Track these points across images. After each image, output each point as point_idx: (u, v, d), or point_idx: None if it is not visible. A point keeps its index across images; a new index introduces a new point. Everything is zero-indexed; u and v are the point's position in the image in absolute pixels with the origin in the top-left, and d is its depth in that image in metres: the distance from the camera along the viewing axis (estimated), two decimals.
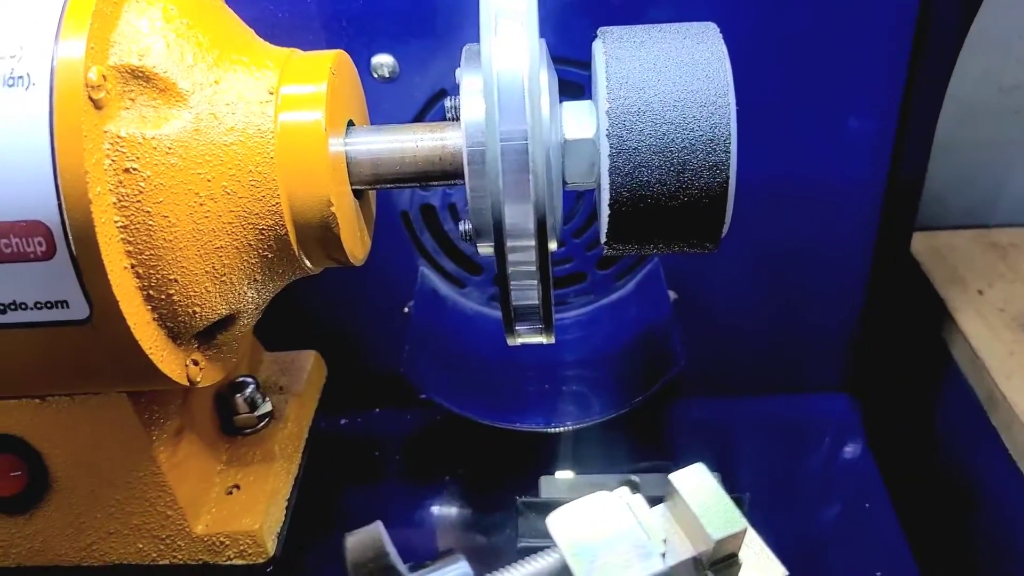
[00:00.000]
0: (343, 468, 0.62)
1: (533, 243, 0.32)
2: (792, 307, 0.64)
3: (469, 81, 0.35)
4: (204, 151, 0.34)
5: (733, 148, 0.34)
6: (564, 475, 0.52)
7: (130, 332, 0.33)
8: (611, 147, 0.34)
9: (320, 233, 0.36)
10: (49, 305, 0.32)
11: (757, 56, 0.52)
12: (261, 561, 0.43)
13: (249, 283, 0.37)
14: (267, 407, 0.47)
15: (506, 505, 0.59)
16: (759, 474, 0.62)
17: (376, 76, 0.53)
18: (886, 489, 0.59)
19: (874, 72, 0.54)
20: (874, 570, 0.55)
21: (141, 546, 0.43)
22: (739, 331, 0.64)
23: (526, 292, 0.34)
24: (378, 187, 0.39)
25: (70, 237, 0.31)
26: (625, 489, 0.33)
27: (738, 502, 0.39)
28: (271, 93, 0.35)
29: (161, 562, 0.43)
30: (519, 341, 0.37)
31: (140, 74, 0.33)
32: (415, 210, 0.58)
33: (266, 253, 0.36)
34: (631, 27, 0.36)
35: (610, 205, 0.35)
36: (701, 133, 0.33)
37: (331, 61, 0.37)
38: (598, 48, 0.36)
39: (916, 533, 0.57)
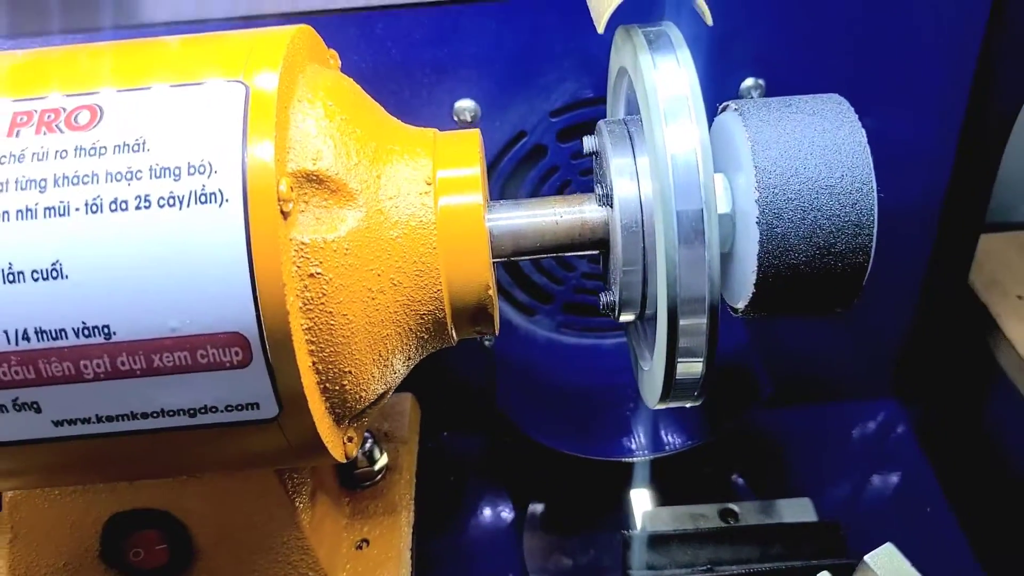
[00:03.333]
0: (424, 494, 0.64)
1: (705, 320, 0.34)
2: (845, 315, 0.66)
3: (619, 162, 0.37)
4: (374, 248, 0.35)
5: (875, 231, 0.36)
6: (664, 508, 0.54)
7: (314, 426, 0.34)
8: (761, 233, 0.35)
9: (475, 312, 0.37)
10: (240, 408, 0.33)
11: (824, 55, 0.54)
12: None
13: (403, 364, 0.38)
14: (384, 459, 0.49)
15: (585, 530, 0.62)
16: (821, 483, 0.65)
17: (457, 120, 0.54)
18: (944, 495, 0.63)
19: (936, 83, 0.56)
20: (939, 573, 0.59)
21: None
22: (790, 340, 0.66)
23: (692, 366, 0.35)
24: (515, 259, 0.40)
25: (267, 345, 0.32)
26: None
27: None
28: (429, 184, 0.36)
29: None
30: (666, 406, 0.39)
31: (314, 178, 0.33)
32: None
33: (423, 335, 0.38)
34: (764, 103, 0.38)
35: (756, 285, 0.36)
36: (848, 219, 0.35)
37: (478, 141, 0.38)
38: (735, 124, 0.37)
39: (976, 536, 0.61)
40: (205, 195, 0.31)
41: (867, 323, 0.67)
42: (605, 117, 0.46)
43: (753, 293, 0.37)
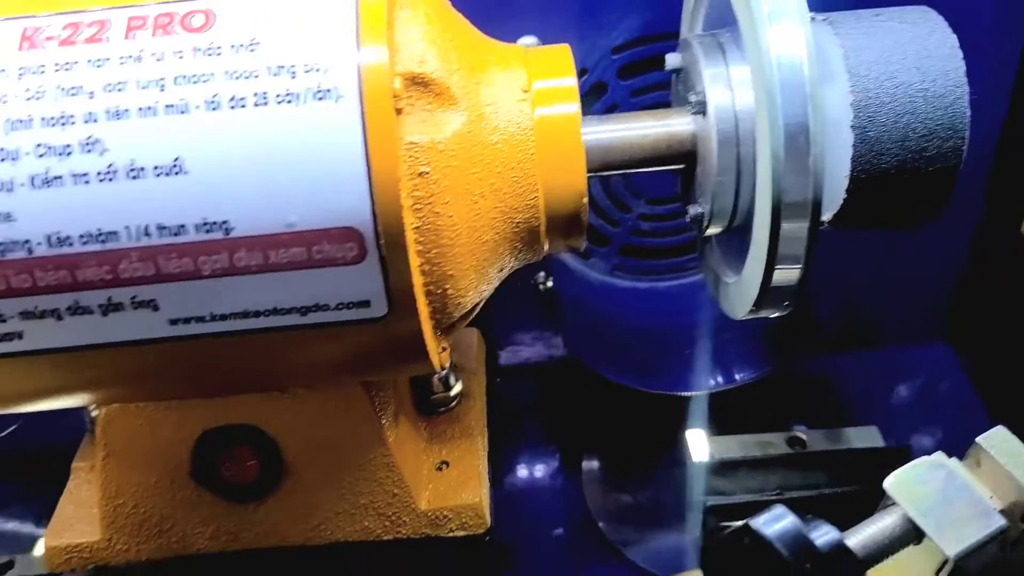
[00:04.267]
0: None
1: (807, 224, 0.34)
2: (897, 257, 0.67)
3: (713, 72, 0.37)
4: (476, 151, 0.35)
5: (968, 135, 0.36)
6: (732, 436, 0.55)
7: (419, 327, 0.35)
8: (855, 138, 0.36)
9: (569, 222, 0.38)
10: (350, 306, 0.34)
11: None
12: (481, 531, 0.46)
13: (496, 274, 0.39)
14: (460, 386, 0.50)
15: (644, 467, 0.63)
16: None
17: None
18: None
19: (989, 24, 0.56)
20: None
21: (367, 524, 0.45)
22: (842, 283, 0.67)
23: (789, 273, 0.36)
24: (602, 174, 0.41)
25: (381, 241, 0.32)
26: (940, 453, 0.36)
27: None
28: (525, 91, 0.37)
29: (384, 538, 0.46)
30: (754, 316, 0.39)
31: (420, 81, 0.34)
32: None
33: (517, 244, 0.38)
34: (854, 13, 0.38)
35: (848, 191, 0.37)
36: (941, 123, 0.36)
37: (570, 54, 0.38)
38: (824, 35, 0.38)
39: None
40: (321, 92, 0.32)
41: (921, 268, 0.68)
42: (669, 52, 0.46)
43: (844, 200, 0.37)
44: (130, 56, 0.32)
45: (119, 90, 0.32)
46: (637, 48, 0.56)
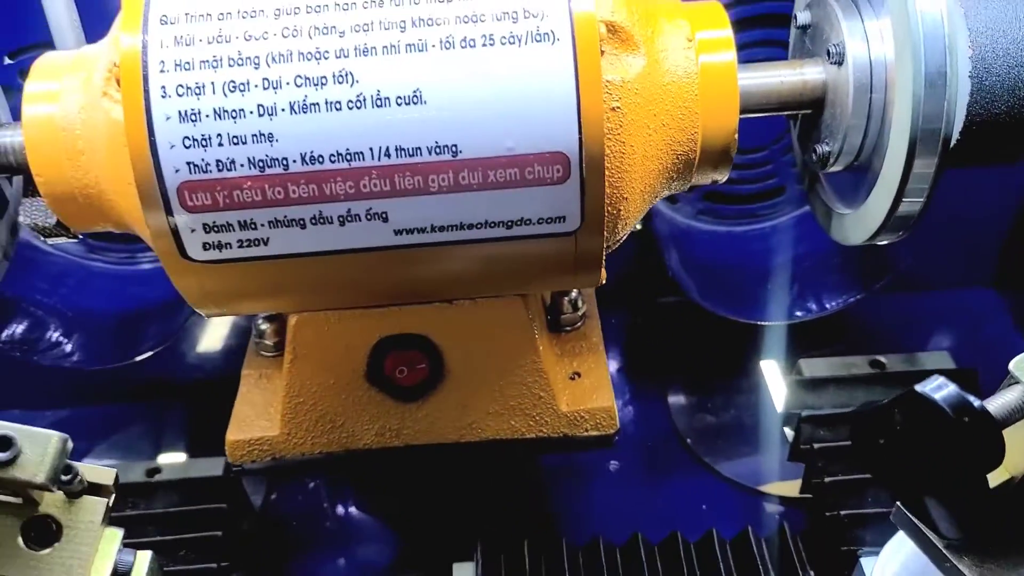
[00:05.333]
0: None
1: (936, 160, 0.40)
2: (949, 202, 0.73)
3: (850, 25, 0.43)
4: (652, 91, 0.41)
5: None
6: (820, 358, 0.61)
7: (601, 242, 0.41)
8: (972, 86, 0.42)
9: (718, 156, 0.44)
10: (550, 220, 0.40)
11: None
12: (611, 432, 0.52)
13: (651, 200, 0.45)
14: (585, 306, 0.56)
15: (726, 391, 0.69)
16: None
17: None
18: None
19: None
20: None
21: (514, 423, 0.51)
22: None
23: (913, 205, 0.42)
24: (743, 116, 0.46)
25: (584, 164, 0.38)
26: None
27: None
28: (690, 40, 0.42)
29: (528, 436, 0.52)
30: (873, 242, 0.45)
31: (612, 28, 0.39)
32: None
33: (672, 174, 0.44)
34: None
35: (961, 133, 0.43)
36: None
37: (723, 9, 0.44)
38: None
39: None
40: (540, 35, 0.37)
41: (969, 215, 0.74)
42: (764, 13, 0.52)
43: (957, 140, 0.43)
44: (372, 1, 0.38)
45: (365, 30, 0.37)
46: (738, 7, 0.61)
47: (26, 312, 0.66)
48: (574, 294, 0.55)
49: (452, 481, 0.61)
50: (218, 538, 0.57)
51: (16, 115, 0.56)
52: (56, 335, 0.67)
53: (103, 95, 0.40)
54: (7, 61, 0.61)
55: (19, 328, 0.66)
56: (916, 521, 0.40)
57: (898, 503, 0.43)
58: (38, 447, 0.33)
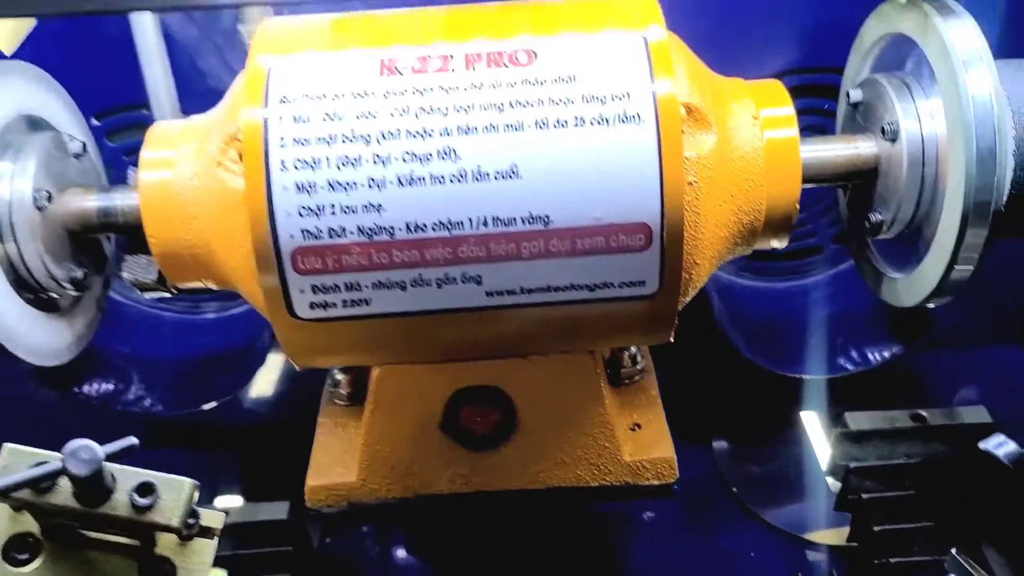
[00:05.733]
0: None
1: (986, 231, 0.43)
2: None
3: (903, 106, 0.47)
4: (723, 165, 0.44)
5: None
6: (863, 412, 0.64)
7: (676, 305, 0.44)
8: (1015, 163, 0.45)
9: (780, 223, 0.47)
10: (630, 284, 0.43)
11: None
12: (671, 481, 0.55)
13: (718, 264, 0.48)
14: (643, 362, 0.59)
15: (770, 442, 0.72)
16: None
17: None
18: None
19: None
20: None
21: (579, 472, 0.54)
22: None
23: (964, 271, 0.45)
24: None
25: (664, 234, 0.41)
26: None
27: None
28: (755, 118, 0.46)
29: (592, 484, 0.54)
30: (927, 304, 0.48)
31: (689, 108, 0.43)
32: None
33: (737, 240, 0.47)
34: (1006, 62, 0.47)
35: (1005, 205, 0.46)
36: None
37: (784, 88, 0.48)
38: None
39: None
40: (626, 117, 0.41)
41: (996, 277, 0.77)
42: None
43: (1001, 212, 0.46)
44: (472, 84, 0.41)
45: (467, 111, 0.41)
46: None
47: (106, 362, 0.69)
48: (633, 349, 0.58)
49: (507, 529, 0.63)
50: None
51: (108, 177, 0.60)
52: (132, 383, 0.70)
53: (218, 165, 0.44)
54: (94, 123, 0.64)
55: (100, 377, 0.69)
56: (971, 568, 0.43)
57: (952, 551, 0.45)
58: (173, 492, 0.36)
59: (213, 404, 0.72)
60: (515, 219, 0.41)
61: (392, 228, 0.41)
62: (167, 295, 0.52)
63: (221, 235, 0.45)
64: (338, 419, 0.58)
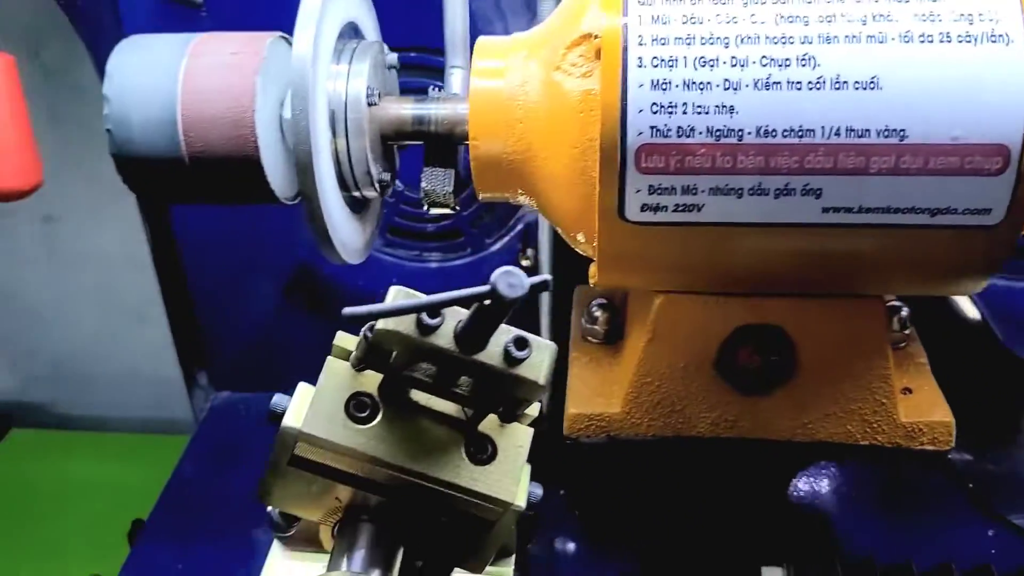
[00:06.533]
0: None
1: None
2: None
3: None
4: None
5: None
6: None
7: (1015, 240, 0.43)
8: None
9: None
10: (974, 212, 0.42)
11: None
12: (947, 448, 0.53)
13: None
14: (911, 329, 0.57)
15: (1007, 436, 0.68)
16: None
17: None
18: None
19: None
20: None
21: (850, 428, 0.52)
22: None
23: None
24: None
25: (1023, 158, 0.40)
26: None
27: None
28: None
29: (861, 442, 0.53)
30: None
31: None
32: None
33: None
34: None
35: None
36: None
37: None
38: None
39: None
40: (995, 36, 0.40)
41: None
42: None
43: None
44: None
45: (829, 21, 0.41)
46: None
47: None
48: (904, 313, 0.57)
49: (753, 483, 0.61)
50: None
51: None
52: None
53: (556, 69, 0.45)
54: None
55: None
56: None
57: None
58: (540, 352, 0.36)
59: None
60: (869, 131, 0.41)
61: (741, 131, 0.41)
62: (449, 212, 0.54)
63: (548, 137, 0.46)
64: (592, 355, 0.58)
